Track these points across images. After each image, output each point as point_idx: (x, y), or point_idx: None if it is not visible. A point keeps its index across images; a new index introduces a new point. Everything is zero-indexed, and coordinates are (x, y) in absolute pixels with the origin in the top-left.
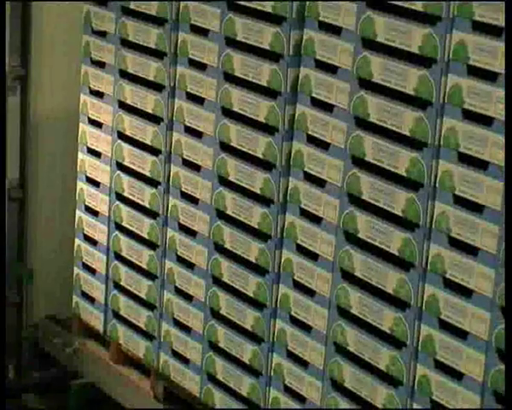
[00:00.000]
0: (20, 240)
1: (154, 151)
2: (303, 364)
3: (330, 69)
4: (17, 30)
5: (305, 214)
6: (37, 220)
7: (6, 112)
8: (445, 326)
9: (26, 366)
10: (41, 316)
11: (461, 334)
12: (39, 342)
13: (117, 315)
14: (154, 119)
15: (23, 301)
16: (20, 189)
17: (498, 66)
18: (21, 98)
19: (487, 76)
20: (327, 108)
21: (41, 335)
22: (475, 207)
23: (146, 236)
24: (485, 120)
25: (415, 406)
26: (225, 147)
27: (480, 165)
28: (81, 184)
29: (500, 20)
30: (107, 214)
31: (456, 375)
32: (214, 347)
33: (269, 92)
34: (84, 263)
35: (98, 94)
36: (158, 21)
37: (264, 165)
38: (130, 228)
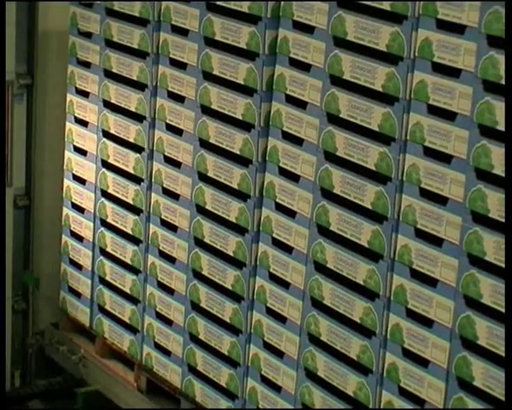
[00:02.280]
0: (26, 247)
1: (137, 149)
2: (278, 354)
3: (304, 67)
4: (23, 38)
5: (280, 209)
6: (43, 228)
7: (7, 114)
8: (412, 315)
9: (31, 374)
10: (46, 323)
11: (427, 322)
12: (45, 349)
13: (102, 309)
14: (137, 117)
15: (29, 308)
16: (26, 197)
17: (461, 62)
18: (27, 107)
19: (451, 72)
20: (300, 104)
21: (47, 342)
22: (440, 200)
23: (130, 231)
24: (449, 115)
25: (384, 393)
26: (204, 144)
27: (444, 158)
28: (68, 182)
29: (462, 18)
30: (92, 211)
31: (423, 362)
32: (194, 339)
33: (245, 90)
34: (70, 259)
35: (84, 93)
36: (141, 22)
37: (241, 161)
38: (115, 224)
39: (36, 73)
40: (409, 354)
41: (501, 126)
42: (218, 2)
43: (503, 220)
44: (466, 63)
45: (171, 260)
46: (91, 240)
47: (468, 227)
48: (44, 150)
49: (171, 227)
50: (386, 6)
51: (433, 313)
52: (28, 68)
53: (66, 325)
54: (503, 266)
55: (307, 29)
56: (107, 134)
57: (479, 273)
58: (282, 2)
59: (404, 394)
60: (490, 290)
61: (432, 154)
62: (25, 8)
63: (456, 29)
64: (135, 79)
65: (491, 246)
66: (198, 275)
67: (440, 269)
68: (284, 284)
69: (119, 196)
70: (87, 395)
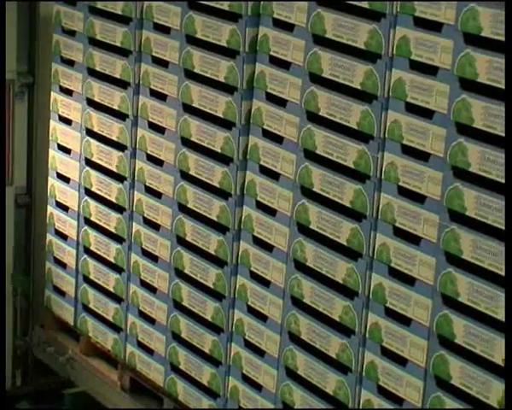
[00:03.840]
0: (26, 245)
1: (120, 147)
2: (259, 353)
3: (284, 65)
4: (24, 37)
5: (261, 207)
6: (44, 226)
7: (8, 113)
8: (391, 314)
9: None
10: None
11: (405, 321)
12: (33, 350)
13: (86, 308)
14: (120, 115)
15: (17, 308)
16: (26, 195)
17: (438, 60)
18: (28, 105)
19: (428, 70)
20: (280, 102)
21: (35, 343)
22: (418, 198)
23: (113, 230)
24: (426, 113)
25: (363, 392)
26: (186, 142)
27: (422, 156)
28: (52, 180)
29: (439, 16)
30: (76, 209)
31: (401, 361)
32: (177, 338)
33: (226, 88)
34: (55, 257)
35: (68, 92)
36: (123, 20)
37: (223, 159)
38: (98, 222)
39: (37, 71)
40: (387, 353)
41: (477, 124)
42: (200, 1)
43: (480, 219)
44: (443, 61)
45: (153, 258)
46: (75, 238)
47: (446, 226)
48: (45, 149)
49: (154, 225)
50: (364, 4)
51: (411, 312)
52: (29, 67)
53: (51, 323)
54: (480, 264)
55: (287, 27)
56: (90, 132)
57: (456, 272)
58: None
59: (383, 393)
60: (467, 289)
61: (410, 152)
62: (26, 8)
63: (434, 27)
64: (118, 77)
65: (468, 245)
66: (180, 273)
67: (418, 267)
68: (265, 283)
69: (103, 194)
70: (74, 396)
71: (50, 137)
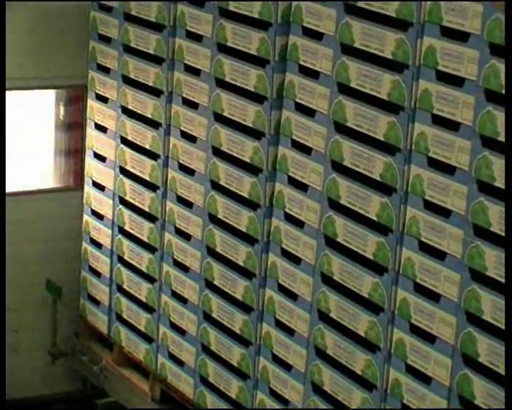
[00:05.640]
0: None
1: (153, 155)
2: (286, 367)
3: (312, 74)
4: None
5: (289, 218)
6: None
7: (83, 117)
8: (415, 330)
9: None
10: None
11: (429, 338)
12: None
13: (120, 318)
14: (153, 123)
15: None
16: None
17: (464, 71)
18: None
19: (455, 81)
20: (309, 112)
21: (69, 352)
22: (443, 212)
23: (146, 239)
24: (452, 125)
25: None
26: (216, 151)
27: (448, 170)
28: (87, 188)
29: (465, 25)
30: (111, 218)
31: (425, 379)
32: (206, 350)
33: (256, 97)
34: (90, 266)
35: (103, 99)
36: (157, 27)
37: (252, 169)
38: (132, 232)
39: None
40: (412, 371)
41: (502, 137)
42: (230, 8)
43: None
44: (469, 72)
45: (184, 268)
46: (110, 247)
47: (470, 241)
48: None
49: (185, 236)
50: (391, 12)
51: (435, 329)
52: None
53: (84, 332)
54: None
55: (316, 35)
56: (124, 140)
57: (480, 289)
58: (293, 8)
59: None
60: (490, 307)
61: (435, 165)
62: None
63: (460, 36)
64: (151, 84)
65: (492, 260)
66: (210, 285)
67: (443, 284)
68: (293, 296)
69: (136, 203)
70: (107, 405)
71: (87, 145)
